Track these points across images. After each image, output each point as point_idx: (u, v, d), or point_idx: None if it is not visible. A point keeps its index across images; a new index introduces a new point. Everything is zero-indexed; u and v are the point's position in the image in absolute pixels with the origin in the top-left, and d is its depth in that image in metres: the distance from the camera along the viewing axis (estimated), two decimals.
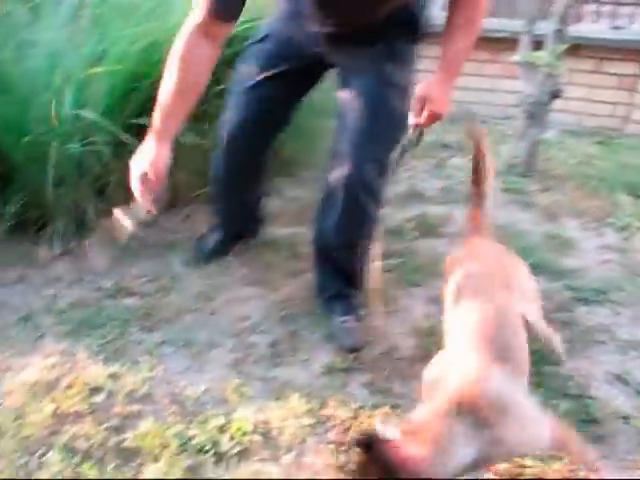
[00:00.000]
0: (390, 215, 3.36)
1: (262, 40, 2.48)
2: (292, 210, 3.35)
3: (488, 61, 4.93)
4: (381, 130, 2.28)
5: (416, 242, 3.14)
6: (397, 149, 2.25)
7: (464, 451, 1.48)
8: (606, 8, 5.27)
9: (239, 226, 2.95)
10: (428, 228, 3.28)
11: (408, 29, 2.29)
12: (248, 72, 2.50)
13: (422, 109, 2.19)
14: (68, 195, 2.82)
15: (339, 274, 2.49)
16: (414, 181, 3.85)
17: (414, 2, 2.25)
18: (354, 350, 2.37)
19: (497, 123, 4.89)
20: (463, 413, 1.50)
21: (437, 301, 2.65)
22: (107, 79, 2.80)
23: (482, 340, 1.72)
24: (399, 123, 2.27)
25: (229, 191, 2.77)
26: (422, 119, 2.20)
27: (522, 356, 1.74)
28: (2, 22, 2.89)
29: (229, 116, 2.57)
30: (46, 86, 2.75)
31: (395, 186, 3.72)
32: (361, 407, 2.10)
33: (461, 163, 4.12)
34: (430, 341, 2.43)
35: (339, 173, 2.31)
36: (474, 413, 1.49)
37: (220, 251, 2.92)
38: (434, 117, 2.21)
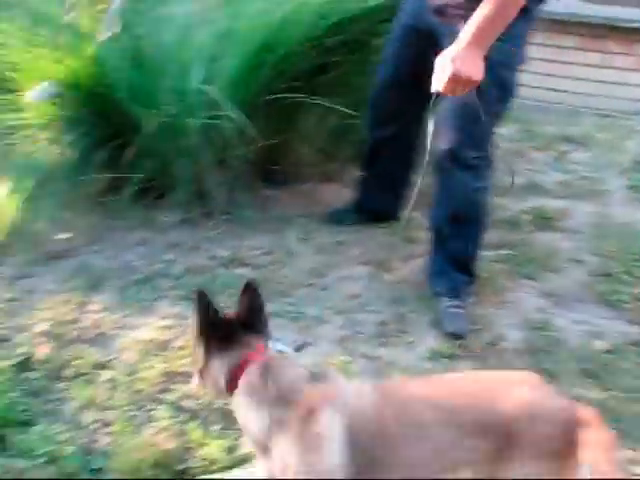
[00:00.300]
0: (507, 206, 3.31)
1: None
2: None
3: (618, 53, 4.74)
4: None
5: (532, 235, 3.08)
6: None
7: None
8: None
9: (382, 202, 2.98)
10: (545, 221, 3.21)
11: None
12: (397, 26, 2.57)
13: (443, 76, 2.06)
14: (190, 165, 2.90)
15: (449, 258, 2.48)
16: (533, 173, 3.76)
17: None
18: (456, 336, 2.36)
19: (625, 118, 4.71)
20: None
21: (550, 295, 2.62)
22: (235, 54, 2.85)
23: None
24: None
25: (380, 157, 2.84)
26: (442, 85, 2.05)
27: None
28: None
29: (380, 71, 2.65)
30: (176, 60, 2.85)
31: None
32: None
33: (582, 157, 4.00)
34: (539, 335, 2.39)
35: (438, 153, 2.35)
36: None
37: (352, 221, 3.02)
38: (458, 82, 2.03)
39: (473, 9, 2.01)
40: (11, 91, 2.78)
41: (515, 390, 1.39)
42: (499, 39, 2.08)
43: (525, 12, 2.13)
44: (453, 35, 2.07)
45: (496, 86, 2.24)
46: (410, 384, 1.57)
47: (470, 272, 2.52)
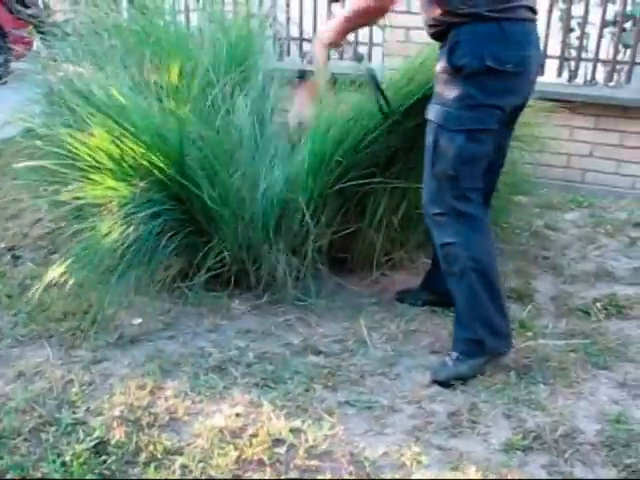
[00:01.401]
0: (578, 294, 3.28)
1: None
2: None
3: None
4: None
5: (604, 323, 3.03)
6: None
7: None
8: None
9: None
10: (617, 309, 3.15)
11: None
12: None
13: None
14: (264, 250, 2.97)
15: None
16: (604, 259, 3.72)
17: None
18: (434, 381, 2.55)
19: None
20: None
21: (625, 386, 2.56)
22: (308, 148, 2.96)
23: None
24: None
25: None
26: None
27: None
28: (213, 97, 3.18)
29: None
30: (252, 148, 2.96)
31: (583, 264, 3.63)
32: None
33: None
34: (616, 428, 2.33)
35: None
36: None
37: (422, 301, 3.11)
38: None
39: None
40: (86, 171, 2.90)
41: None
42: (437, 102, 2.48)
43: (469, 74, 2.38)
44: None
45: (432, 147, 2.51)
46: None
47: (468, 328, 2.61)
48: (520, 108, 2.62)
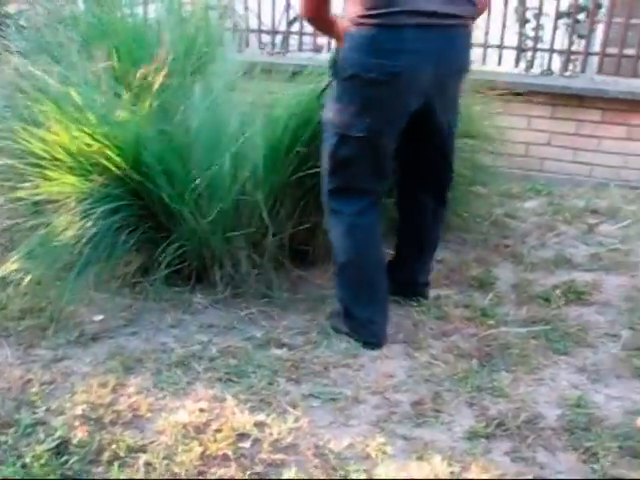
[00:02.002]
0: (538, 281, 3.32)
1: None
2: (441, 272, 3.37)
3: None
4: None
5: (564, 309, 3.07)
6: None
7: None
8: None
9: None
10: (577, 295, 3.20)
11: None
12: None
13: None
14: (224, 246, 2.95)
15: None
16: (562, 247, 3.77)
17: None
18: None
19: None
20: None
21: (584, 371, 2.60)
22: (265, 138, 2.94)
23: None
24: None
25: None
26: None
27: None
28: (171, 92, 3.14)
29: None
30: (207, 146, 2.94)
31: (543, 251, 3.67)
32: (503, 475, 2.06)
33: (611, 230, 4.01)
34: (577, 412, 2.36)
35: None
36: None
37: None
38: None
39: None
40: (43, 167, 2.85)
41: None
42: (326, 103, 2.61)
43: (341, 80, 2.45)
44: None
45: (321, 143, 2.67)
46: None
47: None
48: (424, 114, 2.57)
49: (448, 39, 2.46)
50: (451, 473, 2.06)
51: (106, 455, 2.10)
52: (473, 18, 2.58)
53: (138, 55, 3.47)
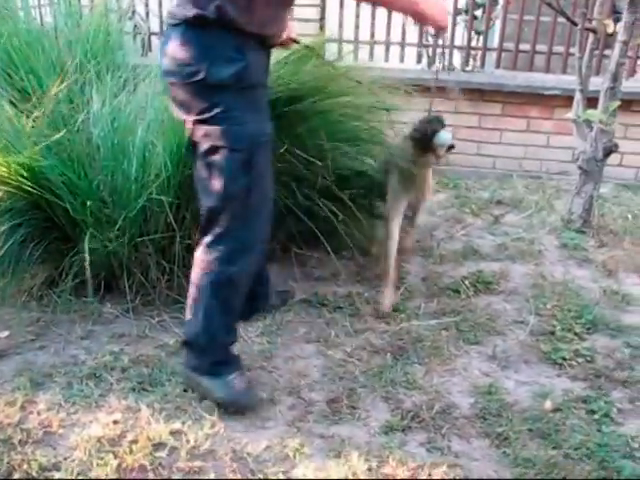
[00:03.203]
0: (447, 273, 3.38)
1: None
2: (351, 269, 3.40)
3: (542, 118, 4.95)
4: None
5: (473, 299, 3.14)
6: None
7: None
8: None
9: None
10: (485, 285, 3.28)
11: None
12: None
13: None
14: (132, 254, 2.90)
15: None
16: (470, 238, 3.86)
17: None
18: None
19: (552, 179, 4.89)
20: None
21: (495, 359, 2.67)
22: (168, 143, 2.90)
23: None
24: None
25: None
26: None
27: None
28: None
29: None
30: (112, 151, 2.88)
31: (451, 244, 3.75)
32: (420, 466, 2.10)
33: (516, 219, 4.13)
34: (488, 399, 2.43)
35: None
36: None
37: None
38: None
39: None
40: None
41: None
42: None
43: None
44: None
45: None
46: None
47: None
48: None
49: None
50: (368, 469, 2.08)
51: (17, 476, 2.04)
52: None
53: (35, 62, 3.38)
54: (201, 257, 2.33)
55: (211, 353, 2.40)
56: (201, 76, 2.11)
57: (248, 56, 2.14)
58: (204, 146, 2.21)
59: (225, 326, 2.40)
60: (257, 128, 2.22)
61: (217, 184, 2.22)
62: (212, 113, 2.15)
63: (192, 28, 2.12)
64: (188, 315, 2.40)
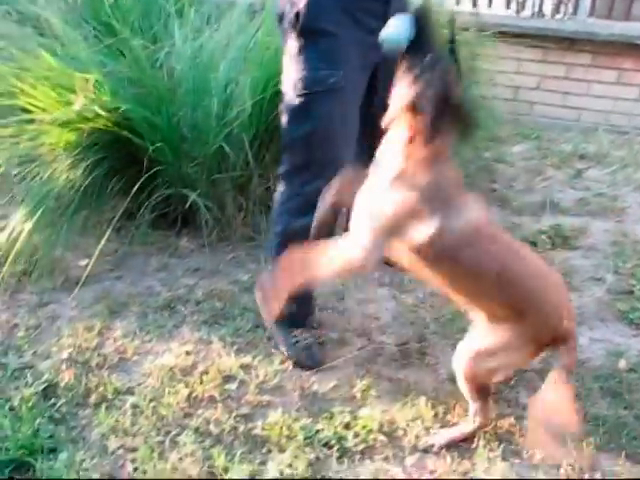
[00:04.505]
0: (524, 225, 3.31)
1: None
2: None
3: (636, 70, 4.74)
4: None
5: (550, 253, 3.08)
6: None
7: None
8: None
9: None
10: (563, 240, 3.20)
11: None
12: None
13: None
14: (209, 190, 2.93)
15: None
16: (550, 191, 3.76)
17: None
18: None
19: None
20: None
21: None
22: (253, 83, 2.89)
23: None
24: None
25: None
26: None
27: None
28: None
29: None
30: (191, 90, 2.90)
31: (530, 196, 3.66)
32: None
33: (599, 175, 4.00)
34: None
35: None
36: None
37: None
38: None
39: None
40: (28, 120, 2.81)
41: None
42: None
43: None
44: None
45: None
46: None
47: None
48: None
49: None
50: (435, 414, 2.08)
51: (93, 398, 2.12)
52: None
53: None
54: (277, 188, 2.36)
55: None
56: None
57: None
58: None
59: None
60: (317, 75, 2.13)
61: (283, 123, 2.25)
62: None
63: None
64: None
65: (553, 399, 1.74)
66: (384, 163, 1.83)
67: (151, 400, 2.11)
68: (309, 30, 2.11)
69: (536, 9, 5.00)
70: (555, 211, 3.53)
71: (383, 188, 1.81)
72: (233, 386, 2.18)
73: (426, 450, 1.97)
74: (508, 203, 3.56)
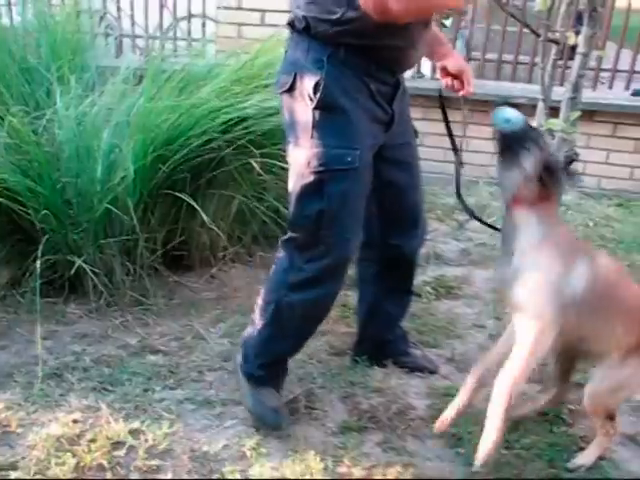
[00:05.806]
0: None
1: None
2: None
3: None
4: None
5: (434, 303, 3.20)
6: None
7: None
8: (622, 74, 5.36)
9: None
10: (447, 290, 3.33)
11: None
12: None
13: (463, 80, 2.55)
14: (96, 255, 2.92)
15: None
16: (435, 243, 3.91)
17: None
18: None
19: None
20: None
21: (453, 361, 2.72)
22: (136, 147, 2.92)
23: None
24: None
25: None
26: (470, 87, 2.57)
27: None
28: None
29: None
30: (75, 156, 2.91)
31: None
32: (374, 466, 2.14)
33: (480, 226, 4.16)
34: (445, 401, 2.47)
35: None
36: None
37: None
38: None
39: None
40: None
41: None
42: None
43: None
44: None
45: None
46: None
47: None
48: None
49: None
50: (324, 468, 2.12)
51: None
52: None
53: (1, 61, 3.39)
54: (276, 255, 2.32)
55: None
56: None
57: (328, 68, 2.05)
58: None
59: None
60: (333, 153, 2.08)
61: (292, 198, 2.19)
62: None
63: None
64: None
65: None
66: (523, 237, 2.12)
67: (36, 473, 2.05)
68: (328, 105, 2.05)
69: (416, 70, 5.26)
70: (439, 262, 3.67)
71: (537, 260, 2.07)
72: (122, 452, 2.16)
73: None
74: None
